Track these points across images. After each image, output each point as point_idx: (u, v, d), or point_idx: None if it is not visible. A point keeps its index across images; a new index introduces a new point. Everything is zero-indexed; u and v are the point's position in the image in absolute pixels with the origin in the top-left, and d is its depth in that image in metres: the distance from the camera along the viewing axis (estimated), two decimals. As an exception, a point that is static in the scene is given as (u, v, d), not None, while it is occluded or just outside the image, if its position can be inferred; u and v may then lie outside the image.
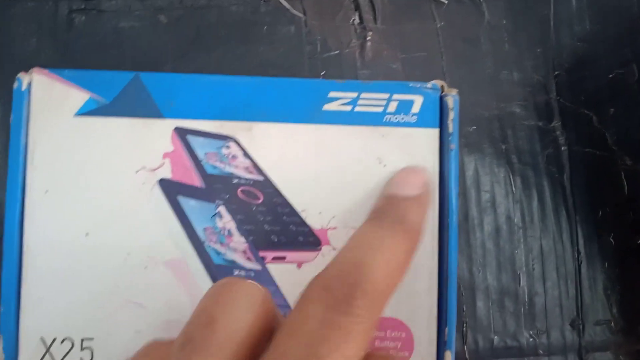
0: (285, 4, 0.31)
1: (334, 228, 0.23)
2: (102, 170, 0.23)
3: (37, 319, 0.22)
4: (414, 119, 0.23)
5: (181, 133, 0.23)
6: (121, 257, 0.22)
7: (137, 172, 0.23)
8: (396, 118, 0.23)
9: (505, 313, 0.31)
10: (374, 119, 0.23)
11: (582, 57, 0.33)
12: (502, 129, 0.32)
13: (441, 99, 0.23)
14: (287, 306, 0.23)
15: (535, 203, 0.31)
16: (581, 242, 0.31)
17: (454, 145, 0.23)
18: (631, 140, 0.33)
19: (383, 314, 0.22)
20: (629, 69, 0.33)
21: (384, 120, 0.23)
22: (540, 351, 0.31)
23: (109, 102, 0.23)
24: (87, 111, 0.22)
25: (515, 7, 0.33)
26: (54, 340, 0.22)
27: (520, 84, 0.32)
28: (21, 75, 0.22)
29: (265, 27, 0.30)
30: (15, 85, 0.22)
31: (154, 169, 0.23)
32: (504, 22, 0.33)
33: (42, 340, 0.22)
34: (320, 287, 0.18)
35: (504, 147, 0.31)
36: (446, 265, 0.23)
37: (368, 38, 0.31)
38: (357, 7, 0.32)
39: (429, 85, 0.23)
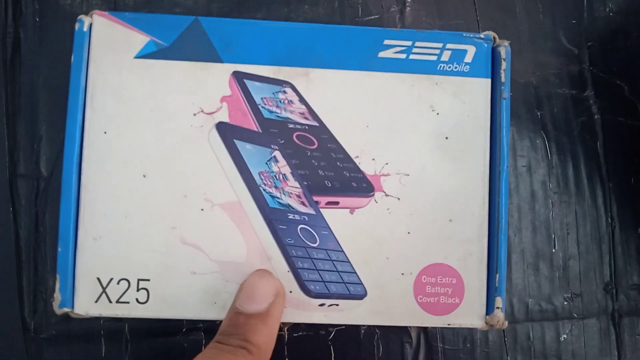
0: (327, -32, 0.31)
1: (387, 175, 0.23)
2: (160, 112, 0.23)
3: (94, 259, 0.22)
4: (466, 68, 0.23)
5: (239, 77, 0.23)
6: (178, 199, 0.23)
7: (195, 115, 0.23)
8: (449, 67, 0.23)
9: (540, 276, 0.31)
10: (427, 68, 0.23)
11: (614, 28, 0.34)
12: (537, 96, 0.32)
13: (493, 49, 0.24)
14: (341, 250, 0.23)
15: (570, 169, 0.32)
16: (614, 208, 0.32)
17: (506, 95, 0.23)
18: (662, 110, 0.33)
19: (434, 259, 0.23)
20: (660, 42, 0.34)
21: (438, 68, 0.23)
22: (574, 314, 0.31)
23: (169, 45, 0.23)
24: (147, 54, 0.23)
25: (549, -22, 0.33)
26: (111, 280, 0.22)
27: (554, 54, 0.33)
28: (82, 17, 0.23)
29: (308, -11, 0.31)
30: (77, 26, 0.22)
31: (212, 112, 0.23)
32: (539, -8, 0.33)
33: (99, 280, 0.22)
34: None
35: (539, 113, 0.32)
36: (497, 213, 0.23)
37: (407, 4, 0.32)
38: (397, -27, 0.32)
39: (482, 35, 0.24)
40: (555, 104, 0.32)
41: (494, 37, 0.24)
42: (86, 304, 0.22)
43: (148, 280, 0.23)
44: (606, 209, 0.32)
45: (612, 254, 0.31)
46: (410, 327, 0.29)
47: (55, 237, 0.26)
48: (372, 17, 0.31)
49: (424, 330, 0.30)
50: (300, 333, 0.29)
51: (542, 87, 0.32)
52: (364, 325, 0.29)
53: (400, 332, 0.30)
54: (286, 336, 0.29)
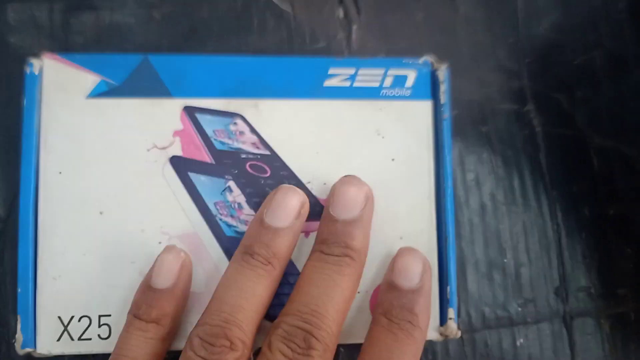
0: (274, -1, 0.32)
1: (339, 197, 0.24)
2: (115, 150, 0.23)
3: (54, 298, 0.23)
4: (408, 92, 0.25)
5: (190, 111, 0.24)
6: (135, 234, 0.23)
7: (148, 150, 0.23)
8: (392, 92, 0.25)
9: (494, 285, 0.32)
10: (371, 93, 0.25)
11: (550, 45, 0.36)
12: (481, 113, 0.34)
13: (432, 72, 0.25)
14: (297, 273, 0.24)
15: (516, 181, 0.33)
16: (559, 215, 0.33)
17: (446, 115, 0.24)
18: (598, 120, 0.35)
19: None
20: (592, 56, 0.36)
21: (381, 94, 0.25)
22: (529, 319, 0.32)
23: (120, 84, 0.23)
24: (98, 93, 0.23)
25: (486, 0, 0.35)
26: (72, 318, 0.23)
27: (495, 71, 0.34)
28: (32, 60, 0.23)
29: (256, 20, 0.32)
30: (27, 69, 0.23)
31: (165, 147, 0.24)
32: (477, 14, 0.35)
33: (60, 319, 0.23)
34: (281, 338, 0.20)
35: (484, 129, 0.33)
36: (445, 228, 0.24)
37: (353, 30, 0.33)
38: (342, 2, 0.33)
39: (421, 60, 0.25)
40: (499, 120, 0.34)
41: (432, 62, 0.25)
42: (48, 343, 0.23)
43: (109, 315, 0.23)
44: (552, 216, 0.33)
45: (561, 259, 0.33)
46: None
47: (14, 278, 0.26)
48: (320, 45, 0.32)
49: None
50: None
51: (485, 103, 0.34)
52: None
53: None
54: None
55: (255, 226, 0.22)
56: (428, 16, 0.34)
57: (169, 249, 0.23)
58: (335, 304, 0.21)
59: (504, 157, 0.33)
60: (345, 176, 0.23)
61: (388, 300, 0.22)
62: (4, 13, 0.30)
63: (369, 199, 0.23)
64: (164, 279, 0.22)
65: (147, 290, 0.22)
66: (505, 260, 0.32)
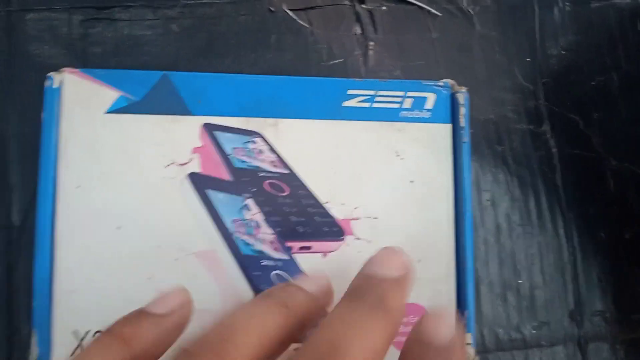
0: (292, 14, 0.32)
1: (357, 218, 0.24)
2: (133, 165, 0.23)
3: (69, 312, 0.23)
4: (428, 114, 0.25)
5: (209, 129, 0.24)
6: (152, 250, 0.23)
7: (166, 166, 0.23)
8: (411, 114, 0.25)
9: (508, 307, 0.32)
10: (390, 115, 0.25)
11: (566, 65, 0.35)
12: (497, 132, 0.33)
13: (452, 96, 0.25)
14: (314, 294, 0.24)
15: (531, 202, 0.33)
16: (575, 237, 0.33)
17: (466, 139, 0.24)
18: (614, 142, 0.35)
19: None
20: (609, 77, 0.36)
21: (400, 115, 0.25)
22: (543, 342, 0.32)
23: (139, 100, 0.23)
24: (118, 109, 0.23)
25: (503, 19, 0.35)
26: (87, 333, 0.23)
27: (511, 91, 0.34)
28: (53, 74, 0.23)
29: (273, 36, 0.32)
30: (47, 83, 0.23)
31: (184, 164, 0.24)
32: (494, 33, 0.35)
33: (75, 333, 0.23)
34: None
35: (500, 149, 0.33)
36: (463, 252, 0.24)
37: (370, 47, 0.33)
38: (359, 19, 0.33)
39: (441, 83, 0.25)
40: (515, 139, 0.34)
41: (452, 85, 0.25)
42: (63, 357, 0.23)
43: (124, 331, 0.23)
44: (567, 238, 0.33)
45: (576, 282, 0.33)
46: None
47: (28, 286, 0.26)
48: (337, 60, 0.32)
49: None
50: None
51: (501, 123, 0.34)
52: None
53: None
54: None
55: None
56: (444, 34, 0.34)
57: (178, 286, 0.21)
58: (364, 348, 0.17)
59: (519, 177, 0.33)
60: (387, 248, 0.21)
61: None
62: (23, 23, 0.30)
63: (409, 268, 0.20)
64: (159, 305, 0.20)
65: (136, 312, 0.20)
66: (519, 282, 0.32)
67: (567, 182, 0.34)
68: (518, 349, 0.32)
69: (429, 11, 0.34)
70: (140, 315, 0.20)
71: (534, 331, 0.32)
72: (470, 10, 0.35)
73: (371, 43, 0.33)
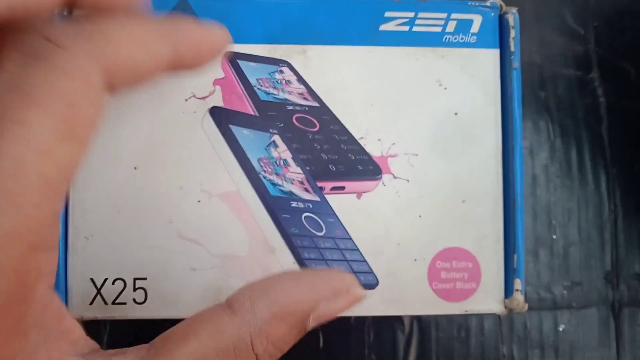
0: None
1: (395, 155, 0.22)
2: (149, 99, 0.21)
3: (86, 259, 0.21)
4: (473, 39, 0.22)
5: (232, 58, 0.22)
6: (173, 191, 0.21)
7: (186, 100, 0.21)
8: (455, 38, 0.22)
9: (539, 264, 0.30)
10: (432, 40, 0.22)
11: (621, 9, 0.32)
12: (541, 77, 0.31)
13: (500, 17, 0.22)
14: (349, 238, 0.22)
15: (573, 153, 0.31)
16: (617, 194, 0.31)
17: (516, 64, 0.22)
18: (669, 95, 0.32)
19: (448, 243, 0.22)
20: (668, 23, 0.33)
21: (443, 40, 0.22)
22: (574, 304, 0.30)
23: (155, 27, 0.21)
24: (132, 37, 0.21)
25: (557, -45, 0.32)
26: (105, 280, 0.21)
27: (559, 32, 0.31)
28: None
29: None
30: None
31: (205, 97, 0.21)
32: (545, -31, 0.32)
33: (92, 281, 0.21)
34: None
35: (543, 94, 0.31)
36: (512, 191, 0.22)
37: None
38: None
39: (488, 3, 0.22)
40: (559, 85, 0.31)
41: (501, 5, 0.22)
42: (81, 306, 0.21)
43: (145, 279, 0.21)
44: (609, 195, 0.31)
45: (615, 242, 0.30)
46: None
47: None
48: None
49: (418, 317, 0.28)
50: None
51: (546, 66, 0.31)
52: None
53: (392, 319, 0.28)
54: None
55: None
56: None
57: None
58: None
59: (562, 126, 0.31)
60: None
61: None
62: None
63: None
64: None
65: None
66: (554, 237, 0.30)
67: (614, 134, 0.31)
68: (547, 309, 0.30)
69: None
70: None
71: (565, 291, 0.30)
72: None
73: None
